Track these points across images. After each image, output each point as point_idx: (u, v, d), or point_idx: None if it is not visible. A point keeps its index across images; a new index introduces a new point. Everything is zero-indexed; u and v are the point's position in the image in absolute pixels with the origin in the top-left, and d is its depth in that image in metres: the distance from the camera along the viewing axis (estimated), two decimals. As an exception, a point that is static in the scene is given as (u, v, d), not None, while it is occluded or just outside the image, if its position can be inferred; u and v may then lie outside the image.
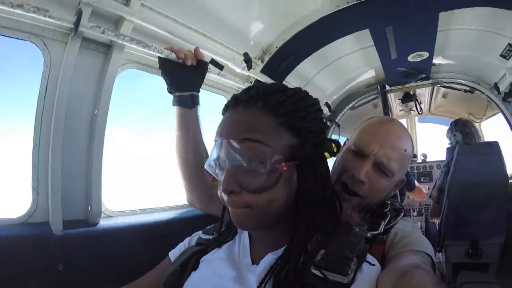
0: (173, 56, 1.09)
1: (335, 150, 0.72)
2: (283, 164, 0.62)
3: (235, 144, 0.63)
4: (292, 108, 0.67)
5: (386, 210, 0.95)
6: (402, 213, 0.96)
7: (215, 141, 0.68)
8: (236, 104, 0.69)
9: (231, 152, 0.63)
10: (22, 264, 1.02)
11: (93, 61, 1.23)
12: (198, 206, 1.24)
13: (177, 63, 1.11)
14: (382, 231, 0.87)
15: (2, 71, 1.30)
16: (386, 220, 0.90)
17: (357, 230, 0.69)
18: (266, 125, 0.64)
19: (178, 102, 1.10)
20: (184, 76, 1.12)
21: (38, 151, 1.15)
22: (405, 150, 0.97)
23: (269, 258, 0.68)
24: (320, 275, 0.58)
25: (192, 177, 1.17)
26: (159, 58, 1.11)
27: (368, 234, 0.81)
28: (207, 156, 1.13)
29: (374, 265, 0.64)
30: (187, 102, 1.11)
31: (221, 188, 0.65)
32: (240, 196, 0.63)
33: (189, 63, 1.11)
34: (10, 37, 1.07)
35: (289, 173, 0.65)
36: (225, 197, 0.66)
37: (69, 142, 1.20)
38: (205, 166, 0.70)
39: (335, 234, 0.67)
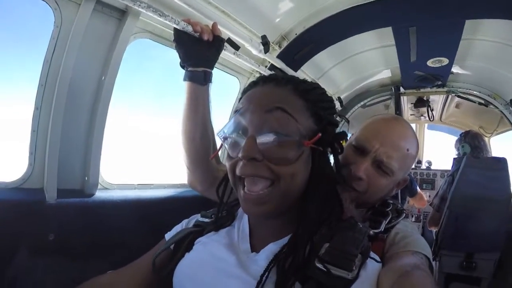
0: (189, 28, 1.05)
1: (343, 143, 0.74)
2: (307, 140, 0.64)
3: (267, 111, 0.64)
4: (318, 97, 0.71)
5: (388, 209, 0.95)
6: (404, 214, 0.95)
7: (240, 109, 0.68)
8: (267, 81, 0.71)
9: (260, 118, 0.63)
10: (12, 229, 0.99)
11: (105, 26, 1.17)
12: (199, 188, 1.19)
13: (193, 37, 1.07)
14: (383, 229, 0.87)
15: (11, 28, 1.23)
16: (388, 219, 0.90)
17: (361, 226, 0.69)
18: (296, 104, 0.67)
19: (190, 77, 1.06)
20: (198, 51, 1.08)
21: (38, 115, 1.11)
22: (408, 150, 0.96)
23: (271, 248, 0.68)
24: (324, 269, 0.58)
25: (197, 157, 1.12)
26: (175, 30, 1.07)
27: (371, 232, 0.80)
28: (213, 137, 1.12)
29: (379, 262, 0.65)
30: (199, 78, 1.07)
31: (239, 155, 0.63)
32: (262, 166, 0.63)
33: (205, 37, 1.08)
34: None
35: (307, 156, 0.66)
36: (242, 167, 0.64)
37: (72, 109, 1.15)
38: (217, 134, 0.71)
39: (340, 229, 0.67)
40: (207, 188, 1.17)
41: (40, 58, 1.09)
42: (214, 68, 1.11)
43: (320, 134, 0.65)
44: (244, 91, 0.74)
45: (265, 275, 0.61)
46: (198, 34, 1.06)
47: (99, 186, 1.32)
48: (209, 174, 1.15)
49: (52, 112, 1.10)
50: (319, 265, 0.59)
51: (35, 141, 1.12)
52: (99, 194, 1.27)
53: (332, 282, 0.57)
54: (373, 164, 0.93)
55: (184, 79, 1.07)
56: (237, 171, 0.66)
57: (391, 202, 0.99)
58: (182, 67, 1.09)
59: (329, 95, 0.76)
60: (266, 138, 0.63)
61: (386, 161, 0.92)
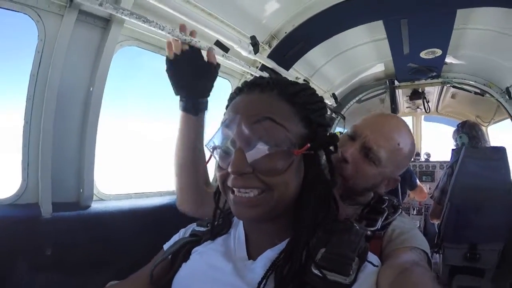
0: (176, 34, 1.03)
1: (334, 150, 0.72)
2: (297, 149, 0.62)
3: (253, 121, 0.61)
4: (307, 100, 0.68)
5: (384, 206, 0.94)
6: (400, 210, 0.94)
7: (226, 120, 0.65)
8: (251, 88, 0.68)
9: (247, 129, 0.61)
10: (8, 246, 0.99)
11: (90, 36, 1.15)
12: (188, 210, 1.16)
13: (185, 66, 1.06)
14: (379, 227, 0.86)
15: None
16: (384, 216, 0.89)
17: (357, 228, 0.68)
18: (284, 111, 0.64)
19: (183, 107, 1.05)
20: (191, 82, 1.06)
21: (29, 129, 1.09)
22: (399, 144, 0.95)
23: (267, 255, 0.66)
24: (320, 274, 0.57)
25: (188, 181, 1.11)
26: (167, 58, 1.05)
27: (369, 232, 0.79)
28: (204, 162, 1.09)
29: (376, 266, 0.63)
30: (192, 109, 1.05)
31: (228, 170, 0.62)
32: (253, 178, 0.61)
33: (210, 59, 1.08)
34: (3, 8, 1.00)
35: (298, 162, 0.64)
36: (233, 180, 0.63)
37: (62, 121, 1.14)
38: (206, 145, 0.68)
39: (336, 232, 0.66)
40: (196, 209, 1.14)
41: (27, 72, 1.08)
42: None
43: (309, 145, 0.63)
44: (230, 99, 0.72)
45: (262, 283, 0.60)
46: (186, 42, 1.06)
47: (94, 198, 1.31)
48: (198, 196, 1.13)
49: (42, 126, 1.09)
50: (316, 271, 0.58)
51: (27, 156, 1.10)
52: (95, 206, 1.26)
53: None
54: (361, 150, 0.93)
55: (180, 109, 1.06)
56: (229, 183, 0.65)
57: (387, 198, 0.98)
58: (177, 94, 1.07)
59: (322, 92, 0.74)
60: (254, 151, 0.61)
61: (376, 149, 0.92)
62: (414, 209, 3.94)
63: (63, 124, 1.15)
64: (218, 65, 1.13)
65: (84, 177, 1.22)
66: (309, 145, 0.63)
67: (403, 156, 0.98)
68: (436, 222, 2.63)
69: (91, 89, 1.19)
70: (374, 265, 0.62)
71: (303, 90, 0.69)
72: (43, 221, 1.07)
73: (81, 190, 1.23)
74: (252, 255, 0.70)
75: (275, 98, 0.65)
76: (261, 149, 0.60)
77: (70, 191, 1.22)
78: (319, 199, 0.67)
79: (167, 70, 1.05)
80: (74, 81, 1.16)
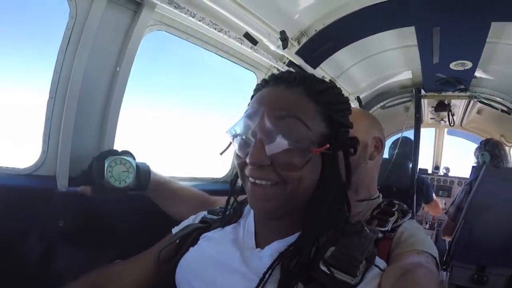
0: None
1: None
2: (316, 147, 0.63)
3: (277, 116, 0.62)
4: (331, 99, 0.68)
5: (394, 209, 0.95)
6: (409, 214, 0.95)
7: (250, 110, 0.66)
8: (278, 82, 0.69)
9: (270, 123, 0.62)
10: (22, 215, 1.01)
11: (120, 18, 1.16)
12: None
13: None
14: (390, 228, 0.87)
15: (27, 19, 1.25)
16: (394, 218, 0.90)
17: (367, 231, 0.68)
18: (308, 109, 0.65)
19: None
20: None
21: (53, 104, 1.11)
22: (366, 124, 1.06)
23: (275, 245, 0.68)
24: (328, 272, 0.58)
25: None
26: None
27: (380, 235, 0.78)
28: (195, 193, 1.25)
29: (383, 270, 0.63)
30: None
31: (246, 160, 0.63)
32: (270, 170, 0.63)
33: None
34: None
35: (316, 160, 0.65)
36: (250, 170, 0.65)
37: (86, 98, 1.16)
38: (227, 131, 0.70)
39: (346, 233, 0.66)
40: None
41: (55, 49, 1.10)
42: (231, 62, 1.09)
43: (328, 145, 0.64)
44: (256, 90, 0.73)
45: (268, 272, 0.61)
46: None
47: (110, 175, 1.33)
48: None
49: (66, 101, 1.11)
50: (324, 268, 0.59)
51: (49, 129, 1.12)
52: (111, 183, 1.27)
53: (334, 286, 0.57)
54: None
55: None
56: (246, 172, 0.66)
57: (397, 202, 0.99)
58: None
59: (347, 94, 0.74)
60: (274, 145, 0.62)
61: None
62: (426, 223, 3.86)
63: (87, 101, 1.17)
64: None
65: (103, 155, 1.24)
66: (328, 145, 0.63)
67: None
68: (448, 239, 2.57)
69: (117, 69, 1.20)
70: (380, 269, 0.63)
71: (329, 89, 0.70)
72: (58, 193, 1.09)
73: (98, 167, 1.24)
74: (260, 244, 0.71)
75: (300, 95, 0.66)
76: (281, 143, 0.61)
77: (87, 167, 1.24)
78: (332, 199, 0.68)
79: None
80: (101, 60, 1.17)
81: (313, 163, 0.65)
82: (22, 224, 1.01)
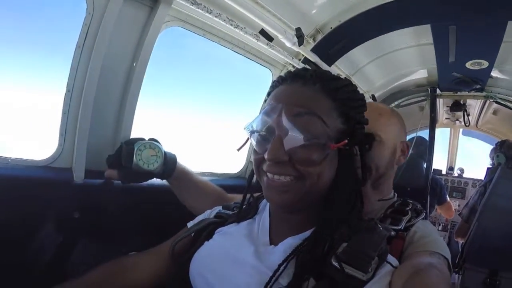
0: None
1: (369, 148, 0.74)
2: (334, 143, 0.64)
3: (295, 113, 0.63)
4: (348, 96, 0.70)
5: (408, 208, 0.95)
6: (423, 214, 0.95)
7: (267, 107, 0.67)
8: (294, 79, 0.70)
9: (288, 120, 0.63)
10: (39, 206, 1.04)
11: (137, 14, 1.17)
12: None
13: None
14: (403, 227, 0.87)
15: (44, 14, 1.27)
16: (408, 218, 0.90)
17: (381, 229, 0.69)
18: (324, 105, 0.66)
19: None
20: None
21: (70, 98, 1.13)
22: (380, 114, 1.02)
23: (289, 242, 0.68)
24: (339, 267, 0.59)
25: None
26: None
27: (392, 233, 0.79)
28: (213, 188, 1.25)
29: (395, 267, 0.63)
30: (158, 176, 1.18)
31: (264, 156, 0.65)
32: (288, 166, 0.64)
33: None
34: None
35: (333, 156, 0.67)
36: (268, 166, 0.66)
37: (102, 93, 1.18)
38: (244, 128, 0.71)
39: (359, 230, 0.67)
40: None
41: (72, 45, 1.11)
42: (246, 58, 1.10)
43: (346, 140, 0.65)
44: (272, 87, 0.74)
45: (283, 265, 0.62)
46: None
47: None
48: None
49: (83, 95, 1.12)
50: (335, 263, 0.59)
51: (66, 123, 1.15)
52: (126, 177, 1.29)
53: (346, 281, 0.58)
54: None
55: None
56: (264, 168, 0.68)
57: (411, 202, 0.99)
58: None
59: (362, 92, 0.74)
60: (292, 141, 0.63)
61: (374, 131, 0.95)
62: (440, 225, 3.82)
63: (103, 96, 1.19)
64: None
65: (118, 149, 1.26)
66: (346, 141, 0.65)
67: (394, 125, 1.04)
68: (461, 241, 2.53)
69: (134, 64, 1.22)
70: (392, 266, 0.63)
71: (345, 86, 0.71)
72: (74, 185, 1.11)
73: (113, 161, 1.26)
74: (274, 241, 0.72)
75: (317, 92, 0.67)
76: (299, 139, 0.63)
77: (103, 160, 1.25)
78: (347, 195, 0.69)
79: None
80: (118, 55, 1.19)
81: (330, 159, 0.66)
82: (38, 214, 1.04)
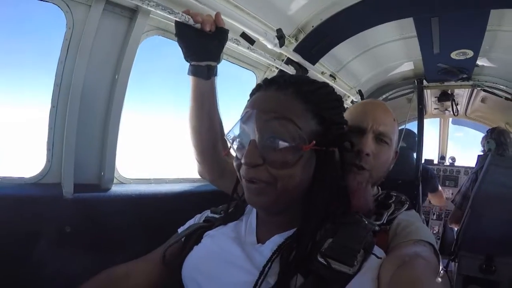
0: (191, 21, 1.00)
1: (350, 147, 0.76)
2: (307, 145, 0.66)
3: (267, 118, 0.66)
4: (321, 98, 0.72)
5: (391, 201, 0.97)
6: (407, 205, 0.97)
7: (244, 113, 0.70)
8: (269, 85, 0.72)
9: (261, 125, 0.66)
10: (30, 223, 1.04)
11: (116, 26, 1.18)
12: (208, 177, 1.21)
13: (194, 29, 1.02)
14: (385, 221, 0.89)
15: (25, 32, 1.27)
16: (390, 211, 0.92)
17: (366, 222, 0.71)
18: (296, 108, 0.68)
19: (194, 72, 1.03)
20: (201, 45, 1.03)
21: (55, 113, 1.14)
22: (394, 120, 1.05)
23: (275, 240, 0.70)
24: (325, 263, 0.60)
25: (204, 149, 1.14)
26: (176, 23, 1.02)
27: (377, 228, 0.79)
28: (222, 128, 1.14)
29: (380, 258, 0.65)
30: (202, 73, 1.03)
31: (241, 161, 0.67)
32: (262, 170, 0.66)
33: (207, 28, 1.02)
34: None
35: (309, 156, 0.68)
36: (245, 170, 0.68)
37: (87, 107, 1.18)
38: (225, 136, 0.74)
39: (344, 225, 0.68)
40: (216, 178, 1.19)
41: (55, 59, 1.12)
42: (230, 62, 1.09)
43: (314, 142, 0.66)
44: (251, 94, 0.76)
45: (267, 266, 0.63)
46: (199, 25, 1.01)
47: (115, 181, 1.35)
48: (216, 165, 1.15)
49: (68, 110, 1.13)
50: (321, 260, 0.61)
51: (52, 138, 1.15)
52: (115, 189, 1.30)
53: (333, 276, 0.59)
54: (374, 138, 0.98)
55: (188, 73, 1.04)
56: (241, 172, 0.70)
57: (395, 194, 1.01)
58: (187, 61, 1.05)
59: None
60: (265, 145, 0.66)
61: (384, 131, 0.99)
62: (434, 214, 3.84)
63: (88, 110, 1.19)
64: (227, 30, 1.10)
65: (106, 161, 1.26)
66: (314, 142, 0.66)
67: (397, 127, 1.09)
68: (455, 227, 2.56)
69: (116, 76, 1.22)
70: (378, 257, 0.64)
71: (319, 88, 0.73)
72: (64, 200, 1.11)
73: (102, 173, 1.27)
74: (261, 240, 0.74)
75: (289, 96, 0.69)
76: (272, 143, 0.65)
77: (92, 173, 1.26)
78: (329, 193, 0.70)
79: (176, 34, 1.02)
80: (100, 68, 1.19)
81: (306, 160, 0.68)
82: (30, 231, 1.03)
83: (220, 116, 1.13)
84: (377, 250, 0.67)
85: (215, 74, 1.07)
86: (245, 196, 0.72)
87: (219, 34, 1.06)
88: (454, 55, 2.34)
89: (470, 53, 2.29)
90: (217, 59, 1.07)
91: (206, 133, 1.10)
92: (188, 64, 1.04)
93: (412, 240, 0.78)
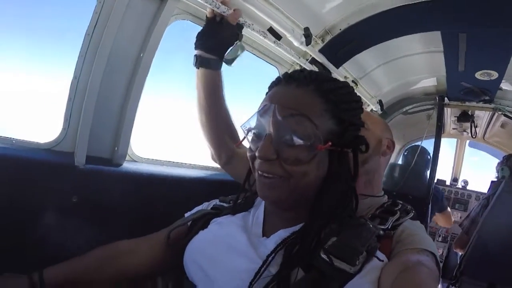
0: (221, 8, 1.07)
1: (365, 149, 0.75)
2: (322, 144, 0.66)
3: (285, 114, 0.66)
4: (341, 98, 0.71)
5: (397, 208, 0.96)
6: (412, 213, 0.97)
7: (262, 106, 0.70)
8: (289, 80, 0.72)
9: (278, 120, 0.66)
10: (39, 188, 1.05)
11: (146, 5, 1.18)
12: (218, 162, 1.28)
13: (220, 23, 1.12)
14: (390, 226, 0.88)
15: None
16: (396, 218, 0.92)
17: (371, 226, 0.71)
18: (316, 107, 0.68)
19: (204, 63, 1.14)
20: (221, 41, 1.15)
21: (76, 84, 1.15)
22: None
23: (280, 234, 0.71)
24: (327, 260, 0.61)
25: (213, 135, 1.21)
26: (207, 18, 1.12)
27: (381, 232, 0.79)
28: (229, 115, 1.21)
29: (382, 261, 0.66)
30: (214, 64, 1.14)
31: (256, 154, 0.68)
32: (276, 165, 0.67)
33: (229, 19, 1.14)
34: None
35: (323, 156, 0.69)
36: (259, 164, 0.69)
37: (109, 81, 1.19)
38: (241, 127, 0.74)
39: (349, 226, 0.69)
40: (226, 162, 1.25)
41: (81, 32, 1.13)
42: (253, 55, 1.13)
43: (330, 143, 0.67)
44: (270, 87, 0.77)
45: (271, 255, 0.65)
46: (228, 13, 1.11)
47: (127, 158, 1.36)
48: (225, 150, 1.22)
49: (89, 82, 1.14)
50: (324, 256, 0.61)
51: (71, 108, 1.16)
52: (126, 166, 1.30)
53: (333, 274, 0.60)
54: None
55: (195, 65, 1.14)
56: (255, 165, 0.71)
57: (401, 202, 1.01)
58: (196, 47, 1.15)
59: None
60: (281, 140, 0.67)
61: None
62: (439, 236, 3.77)
63: (109, 84, 1.20)
64: (241, 27, 1.21)
65: (121, 137, 1.27)
66: (330, 143, 0.67)
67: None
68: (460, 252, 2.51)
69: (141, 55, 1.23)
70: (379, 260, 0.65)
71: (340, 88, 0.73)
72: (75, 170, 1.12)
73: (116, 148, 1.28)
74: (266, 234, 0.75)
75: (310, 94, 0.69)
76: (287, 139, 0.66)
77: (106, 147, 1.27)
78: (339, 194, 0.71)
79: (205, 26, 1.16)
80: (125, 45, 1.20)
81: (320, 159, 0.68)
82: (38, 195, 1.05)
83: (225, 103, 1.21)
84: (379, 254, 0.67)
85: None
86: (257, 189, 0.72)
87: (234, 33, 1.18)
88: (478, 75, 2.29)
89: (495, 75, 2.23)
90: (222, 54, 1.17)
91: (215, 119, 1.18)
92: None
93: (416, 249, 0.78)
